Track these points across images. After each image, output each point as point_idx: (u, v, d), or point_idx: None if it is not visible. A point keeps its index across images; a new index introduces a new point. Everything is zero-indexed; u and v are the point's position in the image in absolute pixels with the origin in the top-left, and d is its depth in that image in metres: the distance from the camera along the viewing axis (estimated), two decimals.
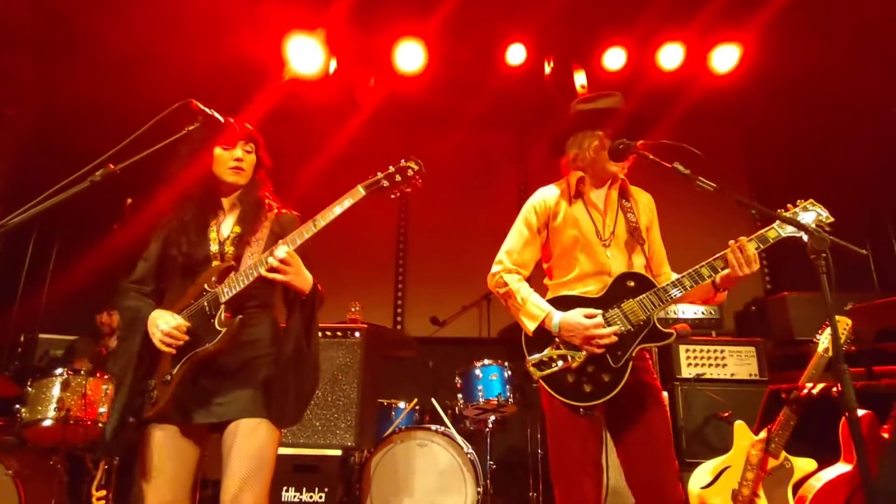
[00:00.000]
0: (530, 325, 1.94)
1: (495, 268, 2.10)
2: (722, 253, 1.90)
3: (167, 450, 1.75)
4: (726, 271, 1.89)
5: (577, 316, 1.89)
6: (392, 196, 1.80)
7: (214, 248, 1.89)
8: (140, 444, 1.76)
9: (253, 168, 2.02)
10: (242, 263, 1.85)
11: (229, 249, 1.88)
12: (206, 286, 1.81)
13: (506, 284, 2.03)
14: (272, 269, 1.73)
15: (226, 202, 2.00)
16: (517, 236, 2.11)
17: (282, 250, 1.74)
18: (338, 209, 1.74)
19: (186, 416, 1.76)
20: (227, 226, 1.95)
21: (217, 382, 1.78)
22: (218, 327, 1.76)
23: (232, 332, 1.76)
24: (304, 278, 1.81)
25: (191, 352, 1.75)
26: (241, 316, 1.79)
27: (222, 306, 1.77)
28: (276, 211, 2.01)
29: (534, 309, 1.95)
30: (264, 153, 2.06)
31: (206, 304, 1.79)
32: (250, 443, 1.72)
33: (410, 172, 1.77)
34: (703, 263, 1.91)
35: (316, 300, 1.88)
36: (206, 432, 1.82)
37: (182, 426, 1.77)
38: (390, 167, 1.79)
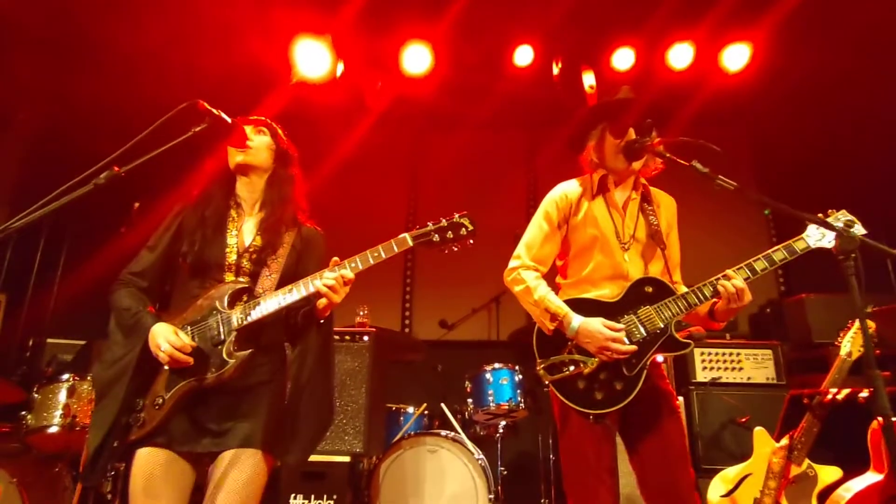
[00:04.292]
0: (548, 325, 1.88)
1: (513, 262, 2.04)
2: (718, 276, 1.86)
3: (160, 476, 1.58)
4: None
5: (597, 324, 1.83)
6: (442, 251, 1.74)
7: (232, 257, 1.75)
8: (129, 468, 1.61)
9: (271, 152, 1.88)
10: (259, 284, 1.72)
11: (246, 265, 1.75)
12: (217, 305, 1.66)
13: (523, 281, 1.96)
14: (330, 287, 1.64)
15: (248, 201, 1.87)
16: (536, 231, 2.04)
17: (349, 271, 1.66)
18: (383, 254, 1.69)
19: (180, 441, 1.61)
20: (248, 232, 1.81)
21: (215, 409, 1.65)
22: (225, 357, 1.60)
23: (240, 365, 1.61)
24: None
25: (190, 377, 1.60)
26: (251, 350, 1.63)
27: (234, 334, 1.62)
28: (300, 224, 1.88)
29: (553, 307, 1.88)
30: (283, 140, 1.92)
31: (215, 326, 1.64)
32: (236, 477, 1.58)
33: (464, 231, 1.71)
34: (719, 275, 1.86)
35: (332, 325, 1.78)
36: (200, 459, 1.67)
37: (176, 451, 1.62)
38: (442, 220, 1.72)
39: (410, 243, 1.69)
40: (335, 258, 1.70)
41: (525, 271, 1.99)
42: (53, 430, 2.93)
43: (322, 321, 1.74)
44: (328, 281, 1.63)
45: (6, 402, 3.22)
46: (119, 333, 1.69)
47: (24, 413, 3.00)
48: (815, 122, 4.86)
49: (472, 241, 1.73)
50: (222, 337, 1.63)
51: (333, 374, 1.84)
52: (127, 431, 1.61)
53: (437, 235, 1.70)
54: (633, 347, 1.80)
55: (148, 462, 1.60)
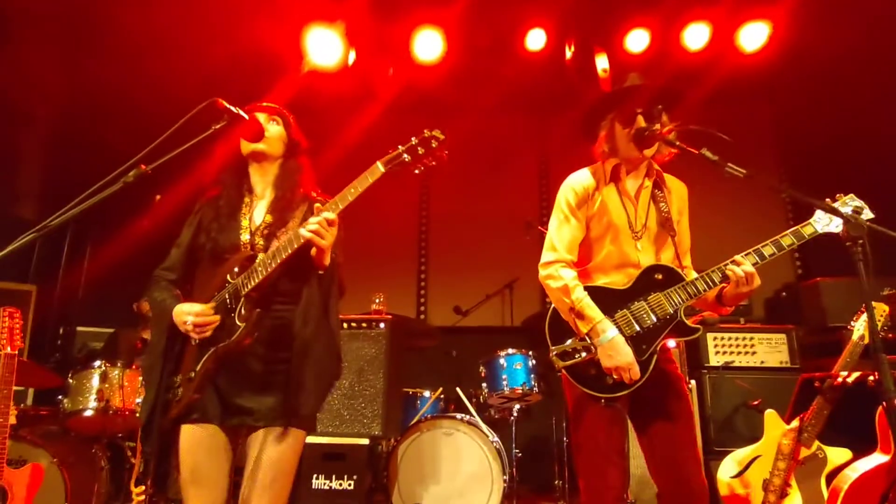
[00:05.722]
0: (583, 328, 1.89)
1: (549, 256, 2.01)
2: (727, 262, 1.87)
3: (203, 449, 1.71)
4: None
5: (628, 348, 1.84)
6: (416, 171, 1.70)
7: (245, 237, 1.83)
8: (176, 442, 1.73)
9: (282, 142, 1.94)
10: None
11: (259, 241, 1.82)
12: (228, 277, 1.75)
13: (561, 278, 1.94)
14: (314, 232, 1.65)
15: (260, 186, 1.94)
16: (562, 220, 2.04)
17: (331, 213, 1.67)
18: (359, 188, 1.68)
19: (219, 416, 1.71)
20: (259, 213, 1.89)
21: (248, 383, 1.73)
22: (238, 322, 1.68)
23: (250, 327, 1.69)
24: (330, 251, 1.74)
25: (212, 347, 1.71)
26: (259, 310, 1.71)
27: (242, 299, 1.70)
28: (309, 201, 1.92)
29: (590, 312, 1.88)
30: (296, 131, 1.98)
31: (227, 296, 1.72)
32: (273, 451, 1.69)
33: (434, 143, 1.67)
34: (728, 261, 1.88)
35: (335, 275, 1.80)
36: (238, 432, 1.77)
37: (217, 425, 1.72)
38: (412, 139, 1.69)
39: (382, 169, 1.68)
40: (318, 204, 1.73)
41: (564, 269, 1.97)
42: (89, 413, 3.08)
43: (322, 273, 1.75)
44: (312, 226, 1.66)
45: (44, 387, 3.38)
46: (153, 323, 1.83)
47: (60, 397, 3.16)
48: (840, 103, 4.75)
49: (446, 154, 1.69)
50: (234, 305, 1.71)
51: (338, 327, 1.84)
52: (168, 408, 1.73)
53: (407, 155, 1.67)
54: (631, 389, 1.84)
55: (192, 444, 1.71)
